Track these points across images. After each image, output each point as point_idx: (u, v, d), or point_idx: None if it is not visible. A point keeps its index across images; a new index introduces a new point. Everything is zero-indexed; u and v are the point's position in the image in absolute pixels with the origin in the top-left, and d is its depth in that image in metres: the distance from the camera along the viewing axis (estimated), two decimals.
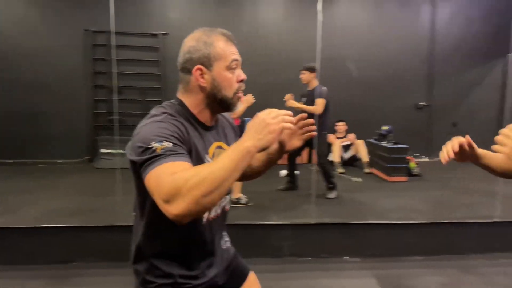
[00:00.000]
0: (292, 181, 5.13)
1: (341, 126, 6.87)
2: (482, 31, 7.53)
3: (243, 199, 4.43)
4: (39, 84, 6.65)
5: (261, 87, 5.67)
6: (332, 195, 4.73)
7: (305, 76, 4.90)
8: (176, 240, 1.24)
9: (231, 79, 1.21)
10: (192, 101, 1.23)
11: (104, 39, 6.68)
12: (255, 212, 4.07)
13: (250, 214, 3.97)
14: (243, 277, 1.50)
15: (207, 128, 1.26)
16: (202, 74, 1.19)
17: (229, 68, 1.20)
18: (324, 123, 4.81)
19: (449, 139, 1.39)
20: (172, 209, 0.96)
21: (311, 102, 4.74)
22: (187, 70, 1.20)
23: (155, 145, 1.04)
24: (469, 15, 7.47)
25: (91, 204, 4.23)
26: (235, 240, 1.57)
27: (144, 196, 1.17)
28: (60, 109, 6.77)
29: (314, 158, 4.93)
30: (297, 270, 3.29)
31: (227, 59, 1.19)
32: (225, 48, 1.20)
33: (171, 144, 1.05)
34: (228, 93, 1.21)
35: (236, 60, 1.21)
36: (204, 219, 1.26)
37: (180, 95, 1.25)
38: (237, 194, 4.43)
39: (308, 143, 4.77)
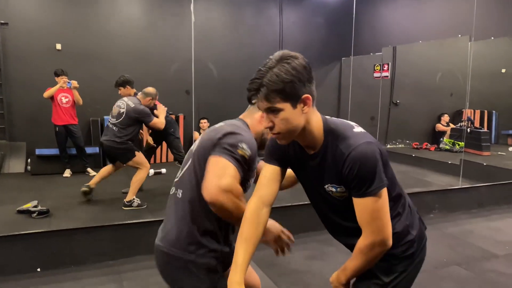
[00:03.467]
0: None
1: (204, 124, 7.12)
2: (325, 37, 8.62)
3: (136, 201, 4.31)
4: None
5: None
6: None
7: (123, 91, 4.65)
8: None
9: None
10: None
11: None
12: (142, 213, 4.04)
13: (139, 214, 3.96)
14: None
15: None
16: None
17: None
18: (171, 122, 4.94)
19: None
20: (220, 192, 1.37)
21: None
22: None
23: (242, 146, 1.49)
24: (314, 22, 8.47)
25: None
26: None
27: None
28: None
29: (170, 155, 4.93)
30: None
31: None
32: None
33: (247, 155, 1.50)
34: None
35: None
36: None
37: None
38: (130, 196, 4.28)
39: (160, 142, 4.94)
